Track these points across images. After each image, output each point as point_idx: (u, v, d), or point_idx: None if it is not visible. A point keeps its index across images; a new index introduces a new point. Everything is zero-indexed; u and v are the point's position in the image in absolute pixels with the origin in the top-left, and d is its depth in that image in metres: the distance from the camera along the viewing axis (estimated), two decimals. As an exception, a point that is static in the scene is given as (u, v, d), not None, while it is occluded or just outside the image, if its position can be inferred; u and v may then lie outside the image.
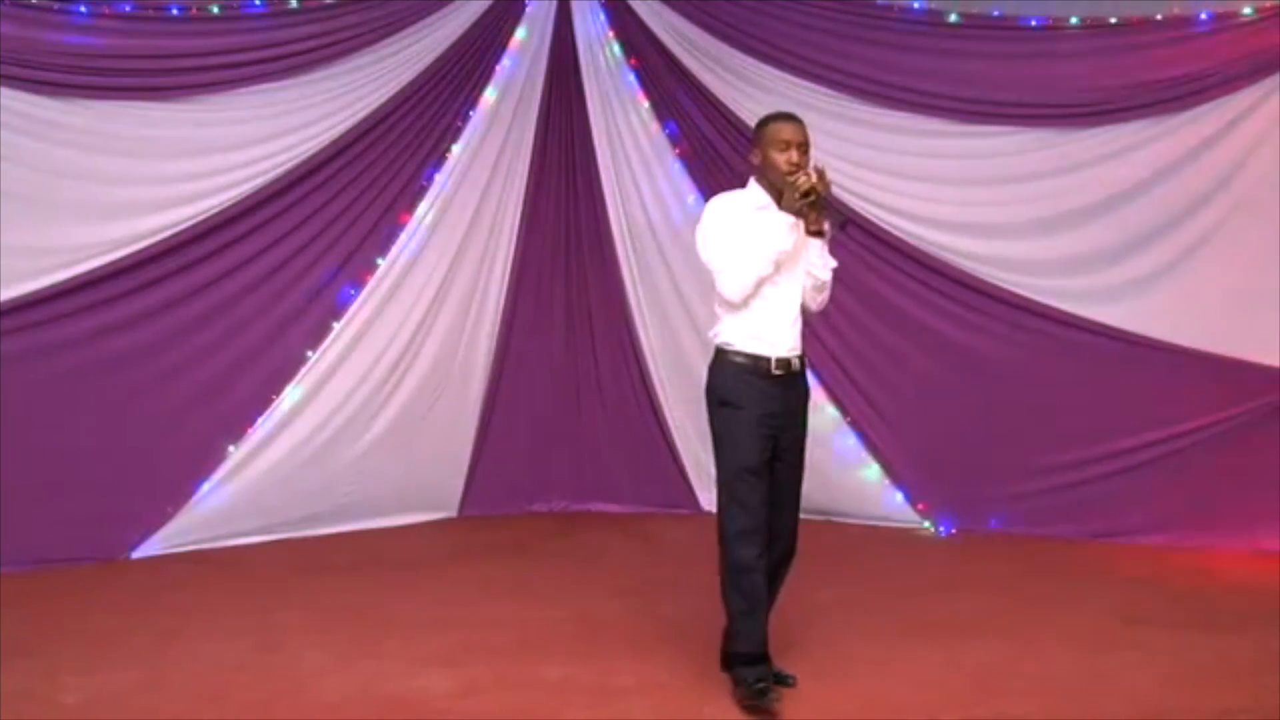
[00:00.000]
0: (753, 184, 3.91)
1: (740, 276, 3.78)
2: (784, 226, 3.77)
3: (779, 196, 3.81)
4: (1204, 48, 5.51)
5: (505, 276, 6.35)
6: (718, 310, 3.92)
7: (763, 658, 3.82)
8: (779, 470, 3.87)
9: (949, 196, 5.96)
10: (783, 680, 3.98)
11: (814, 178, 3.73)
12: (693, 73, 6.09)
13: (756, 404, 3.80)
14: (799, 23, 5.93)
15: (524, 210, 6.32)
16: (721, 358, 3.90)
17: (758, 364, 3.82)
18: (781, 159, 3.79)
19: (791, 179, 3.74)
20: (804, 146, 3.81)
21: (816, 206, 3.76)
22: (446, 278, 6.15)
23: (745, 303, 3.81)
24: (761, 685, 3.75)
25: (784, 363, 3.83)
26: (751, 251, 3.76)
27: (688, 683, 4.03)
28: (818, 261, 3.87)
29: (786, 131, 3.82)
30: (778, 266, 3.78)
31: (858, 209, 5.99)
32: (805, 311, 3.94)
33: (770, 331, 3.83)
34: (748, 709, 3.75)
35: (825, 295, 3.97)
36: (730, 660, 3.91)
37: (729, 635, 3.94)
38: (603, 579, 5.35)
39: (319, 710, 3.84)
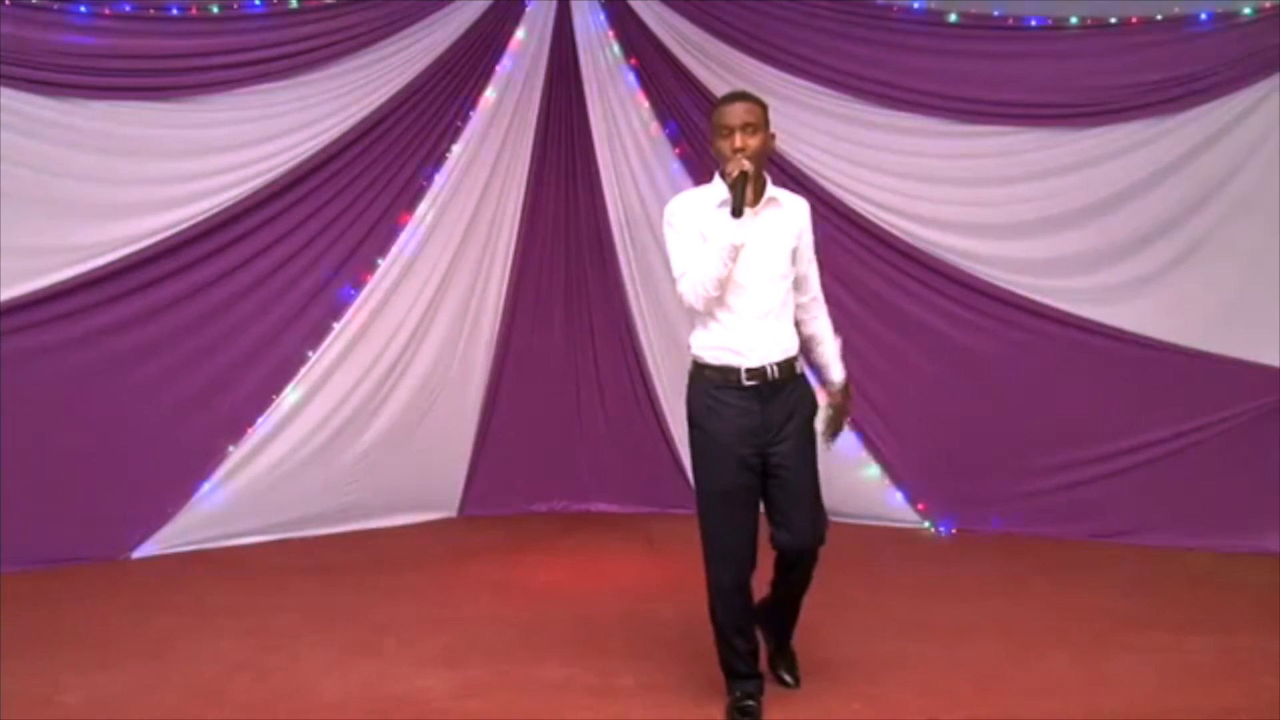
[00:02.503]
0: (716, 178, 3.67)
1: (698, 281, 3.54)
2: (734, 220, 3.49)
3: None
4: (1204, 48, 5.51)
5: (505, 276, 6.35)
6: (689, 319, 3.72)
7: (749, 675, 3.73)
8: (778, 488, 3.63)
9: (949, 196, 5.96)
10: (783, 681, 3.98)
11: (747, 166, 3.49)
12: (693, 73, 6.08)
13: (729, 423, 3.57)
14: (799, 23, 5.92)
15: (524, 210, 6.32)
16: (694, 372, 3.69)
17: (728, 376, 3.59)
18: (725, 145, 3.54)
19: (727, 169, 3.51)
20: (751, 127, 3.53)
21: (738, 186, 3.49)
22: (446, 277, 6.15)
23: (710, 308, 3.59)
24: (746, 704, 3.68)
25: (757, 373, 3.58)
26: (707, 252, 3.52)
27: (688, 683, 4.03)
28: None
29: (728, 115, 3.56)
30: (739, 265, 3.53)
31: (858, 209, 6.00)
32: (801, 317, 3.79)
33: (739, 340, 3.58)
34: None
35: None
36: (723, 668, 3.80)
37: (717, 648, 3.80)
38: (603, 579, 5.35)
39: (319, 710, 3.84)
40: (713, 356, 3.64)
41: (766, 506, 3.69)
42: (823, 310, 3.89)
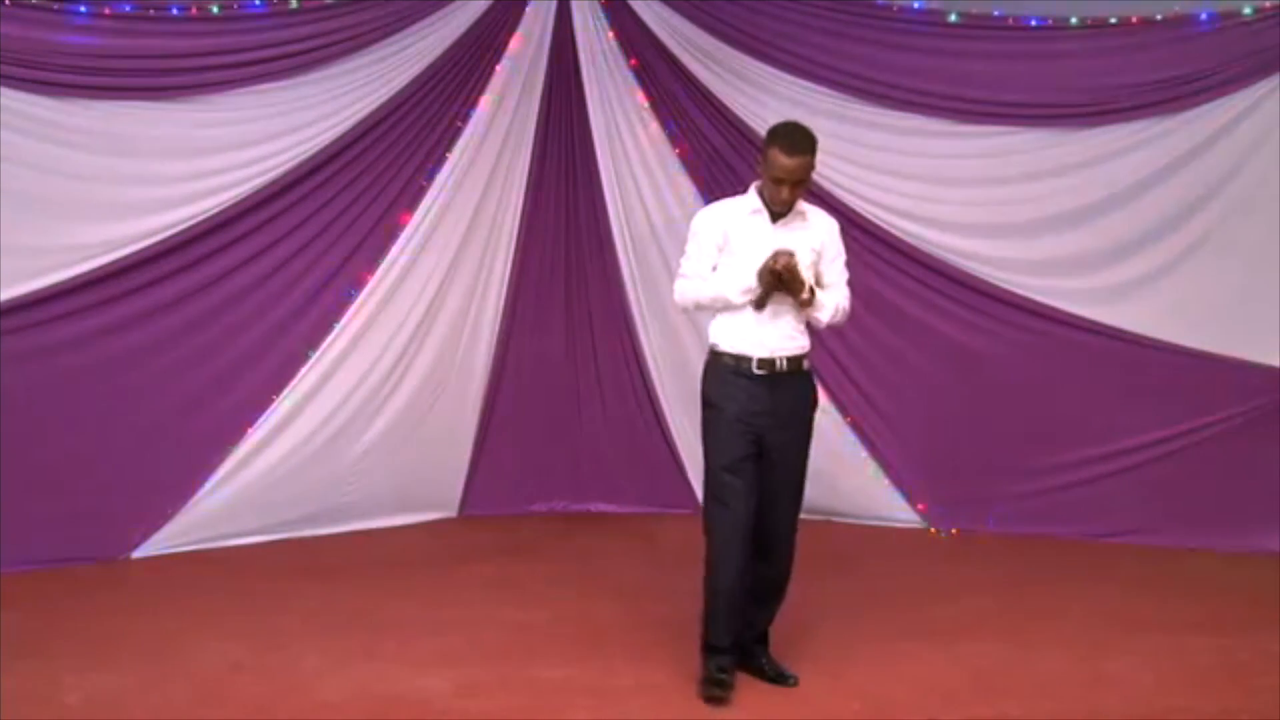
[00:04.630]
0: (752, 189, 3.99)
1: (687, 293, 4.00)
2: (747, 283, 3.87)
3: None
4: (1204, 48, 5.52)
5: (505, 277, 6.35)
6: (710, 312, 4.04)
7: (726, 650, 3.94)
8: (767, 471, 3.91)
9: (949, 196, 5.96)
10: (783, 679, 3.99)
11: (786, 261, 3.78)
12: (693, 73, 6.08)
13: (736, 403, 3.89)
14: (799, 23, 5.92)
15: (524, 211, 6.31)
16: (711, 358, 4.01)
17: (740, 364, 3.91)
18: (771, 186, 3.88)
19: (770, 260, 3.81)
20: (800, 183, 3.88)
21: (774, 287, 3.84)
22: (446, 278, 6.14)
23: (689, 314, 4.05)
24: (719, 676, 3.90)
25: (766, 363, 3.89)
26: (731, 277, 3.89)
27: (687, 683, 4.03)
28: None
29: (781, 167, 3.82)
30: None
31: (858, 209, 6.00)
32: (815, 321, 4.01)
33: (753, 332, 3.90)
34: (700, 695, 3.91)
35: (841, 320, 4.07)
36: (703, 643, 4.00)
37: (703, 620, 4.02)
38: (603, 579, 5.35)
39: (319, 710, 3.84)
40: (729, 345, 3.94)
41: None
42: (838, 299, 4.04)
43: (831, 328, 4.15)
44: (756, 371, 3.89)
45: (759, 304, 3.87)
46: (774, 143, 3.87)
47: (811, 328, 4.03)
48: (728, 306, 3.92)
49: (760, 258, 3.83)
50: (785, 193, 3.85)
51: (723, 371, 3.94)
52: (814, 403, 4.03)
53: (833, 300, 3.98)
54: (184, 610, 4.86)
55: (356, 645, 4.43)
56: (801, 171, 3.85)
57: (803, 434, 3.99)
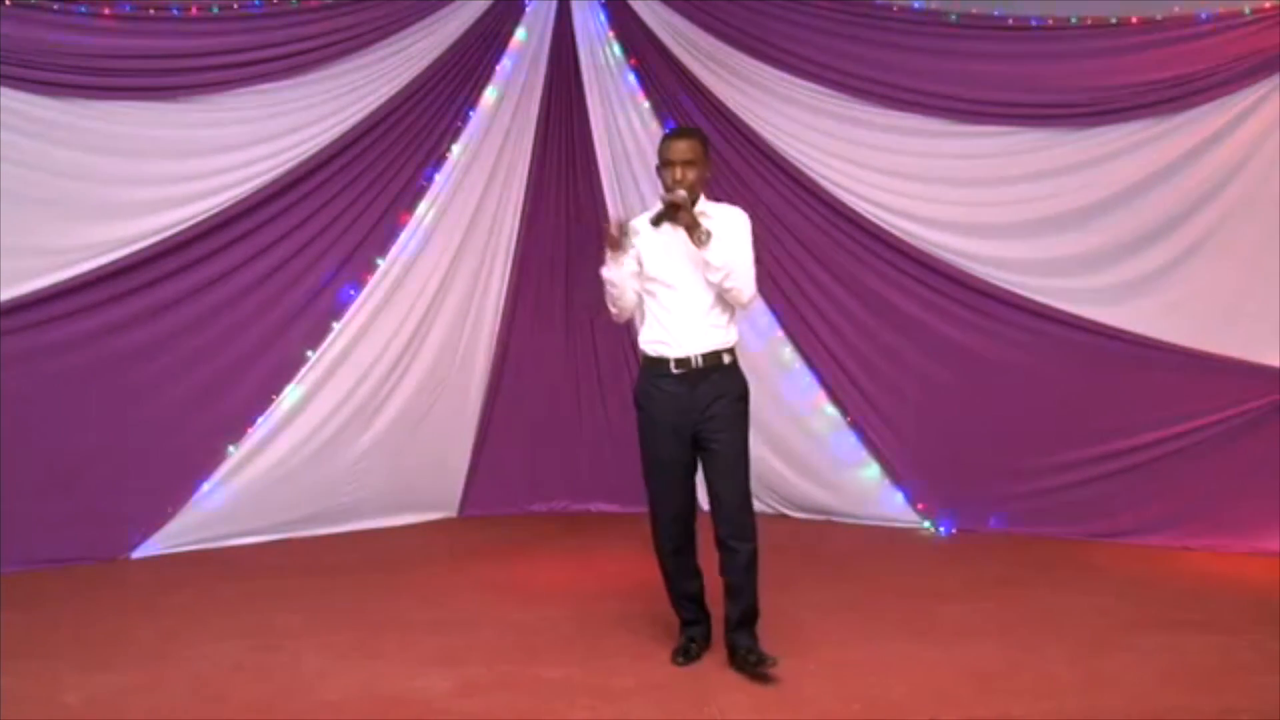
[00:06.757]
0: (657, 201, 4.16)
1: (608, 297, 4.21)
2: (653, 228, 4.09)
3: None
4: (1204, 48, 5.51)
5: (505, 276, 6.36)
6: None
7: (692, 621, 4.31)
8: (708, 458, 4.11)
9: (949, 196, 5.96)
10: (761, 664, 4.04)
11: (680, 197, 3.97)
12: (693, 73, 6.09)
13: (659, 404, 4.11)
14: (799, 23, 5.93)
15: (524, 210, 6.33)
16: (641, 362, 4.24)
17: (661, 365, 4.11)
18: (667, 175, 4.06)
19: (667, 193, 4.03)
20: (691, 163, 4.02)
21: (671, 216, 4.00)
22: (446, 278, 6.16)
23: (620, 317, 4.29)
24: (689, 646, 4.26)
25: (684, 362, 4.07)
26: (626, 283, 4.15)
27: (687, 683, 4.04)
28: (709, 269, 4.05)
29: (670, 152, 4.05)
30: (672, 268, 4.06)
31: (858, 209, 6.01)
32: (735, 306, 4.14)
33: (669, 334, 4.11)
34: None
35: (737, 291, 4.08)
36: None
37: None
38: (603, 579, 5.35)
39: (319, 710, 3.84)
40: (651, 349, 4.16)
41: (706, 485, 4.13)
42: (733, 259, 4.07)
43: (733, 298, 4.09)
44: (674, 371, 4.08)
45: (656, 219, 4.03)
46: (664, 139, 4.16)
47: (734, 324, 4.18)
48: (621, 294, 4.16)
49: (668, 256, 4.06)
50: (678, 172, 4.01)
51: (648, 374, 4.16)
52: (741, 393, 4.14)
53: (724, 256, 4.01)
54: (184, 610, 4.86)
55: (356, 645, 4.44)
56: (689, 151, 4.03)
57: (731, 418, 4.10)
